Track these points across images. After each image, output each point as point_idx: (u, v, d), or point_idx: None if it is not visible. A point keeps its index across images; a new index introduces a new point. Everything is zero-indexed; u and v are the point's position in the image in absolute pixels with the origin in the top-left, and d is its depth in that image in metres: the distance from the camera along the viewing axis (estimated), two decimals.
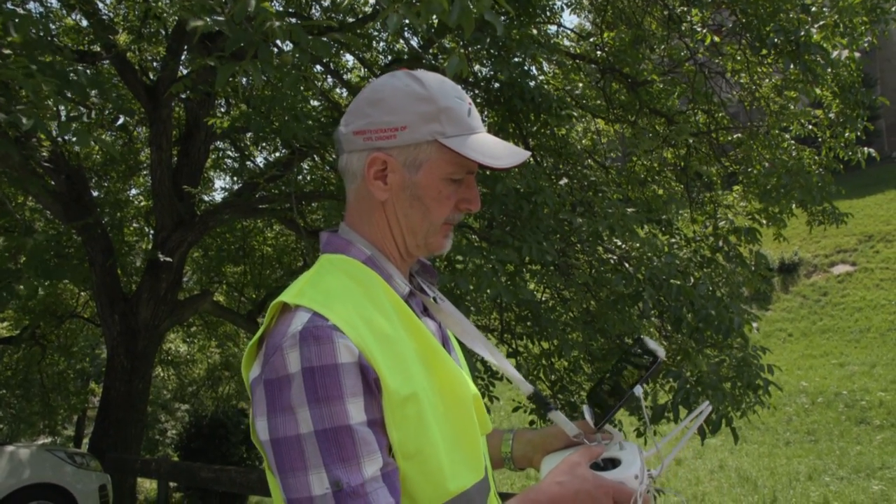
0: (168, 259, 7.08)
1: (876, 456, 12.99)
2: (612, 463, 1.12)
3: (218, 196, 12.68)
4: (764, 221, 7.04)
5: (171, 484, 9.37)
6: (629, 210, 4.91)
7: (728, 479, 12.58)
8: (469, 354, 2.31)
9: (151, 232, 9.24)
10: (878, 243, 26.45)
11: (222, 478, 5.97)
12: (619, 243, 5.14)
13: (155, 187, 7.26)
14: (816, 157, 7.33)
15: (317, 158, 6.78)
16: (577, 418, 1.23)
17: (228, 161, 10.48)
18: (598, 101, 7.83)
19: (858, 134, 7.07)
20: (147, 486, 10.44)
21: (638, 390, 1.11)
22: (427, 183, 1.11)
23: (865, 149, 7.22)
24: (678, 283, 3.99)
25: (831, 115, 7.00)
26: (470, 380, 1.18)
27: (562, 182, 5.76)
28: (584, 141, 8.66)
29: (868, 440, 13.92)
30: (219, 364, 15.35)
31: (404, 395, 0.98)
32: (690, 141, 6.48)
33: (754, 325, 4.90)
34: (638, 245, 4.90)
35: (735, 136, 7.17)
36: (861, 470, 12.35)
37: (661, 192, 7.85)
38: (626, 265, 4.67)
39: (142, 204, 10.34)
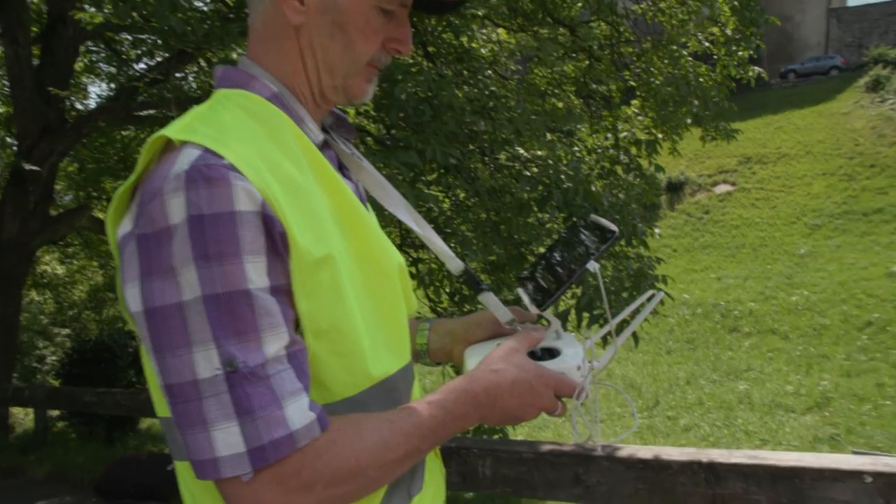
0: (35, 169, 6.44)
1: (743, 360, 13.97)
2: (550, 353, 1.01)
3: (93, 104, 11.69)
4: (660, 135, 7.10)
5: (52, 413, 8.87)
6: (532, 117, 4.79)
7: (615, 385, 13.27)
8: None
9: (14, 144, 8.40)
10: (755, 165, 27.84)
11: (107, 401, 5.60)
12: (522, 151, 5.03)
13: (14, 88, 6.55)
14: (711, 74, 7.40)
15: (203, 63, 6.27)
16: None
17: (104, 66, 9.65)
18: (502, 9, 7.58)
19: (751, 53, 7.18)
20: (23, 416, 9.86)
21: (594, 265, 0.97)
22: (353, 9, 0.91)
23: (756, 68, 7.36)
24: (586, 187, 3.94)
25: (728, 33, 7.03)
26: (394, 248, 1.01)
27: (463, 88, 5.55)
28: (484, 52, 8.44)
29: (738, 346, 14.93)
30: (102, 285, 14.52)
31: (317, 256, 0.82)
32: (595, 46, 6.37)
33: (656, 230, 4.97)
34: (541, 152, 4.81)
35: (637, 49, 7.12)
36: (731, 373, 13.26)
37: (560, 105, 7.80)
38: (532, 171, 4.58)
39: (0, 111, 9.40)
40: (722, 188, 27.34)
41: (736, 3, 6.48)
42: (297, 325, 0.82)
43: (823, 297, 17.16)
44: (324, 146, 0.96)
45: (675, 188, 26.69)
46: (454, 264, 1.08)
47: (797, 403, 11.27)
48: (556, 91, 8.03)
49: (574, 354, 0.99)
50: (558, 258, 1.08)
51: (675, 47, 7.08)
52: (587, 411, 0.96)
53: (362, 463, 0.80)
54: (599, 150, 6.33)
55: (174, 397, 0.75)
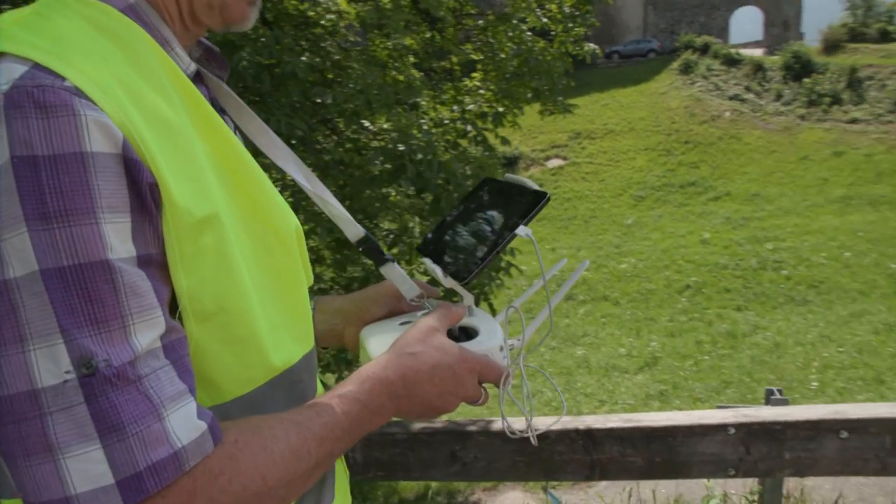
0: None
1: (580, 326, 14.70)
2: (466, 333, 0.89)
3: None
4: (501, 109, 7.20)
5: None
6: (380, 89, 4.67)
7: None
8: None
9: None
10: (584, 140, 29.27)
11: None
12: (368, 124, 4.91)
13: None
14: (550, 50, 7.60)
15: None
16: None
17: None
18: None
19: (586, 31, 7.45)
20: None
21: (525, 230, 0.83)
22: None
23: (591, 45, 7.65)
24: (441, 158, 3.89)
25: (566, 9, 7.24)
26: (289, 208, 0.83)
27: (303, 58, 5.33)
28: (322, 22, 8.18)
29: (574, 313, 15.65)
30: None
31: (199, 216, 0.64)
32: (438, 17, 6.33)
33: None
34: (387, 125, 4.71)
35: (480, 22, 7.17)
36: (569, 339, 13.89)
37: (401, 77, 7.72)
38: (383, 143, 4.47)
39: None
40: (554, 162, 28.56)
41: None
42: (173, 308, 0.64)
43: (648, 263, 18.36)
44: (196, 79, 0.76)
45: (511, 163, 27.48)
46: (353, 230, 0.92)
47: (630, 364, 12.01)
48: (397, 64, 7.94)
49: (493, 333, 0.88)
50: (472, 223, 0.95)
51: (515, 22, 7.20)
52: (519, 398, 0.86)
53: (269, 481, 0.63)
54: (447, 122, 6.31)
55: (1, 416, 0.55)
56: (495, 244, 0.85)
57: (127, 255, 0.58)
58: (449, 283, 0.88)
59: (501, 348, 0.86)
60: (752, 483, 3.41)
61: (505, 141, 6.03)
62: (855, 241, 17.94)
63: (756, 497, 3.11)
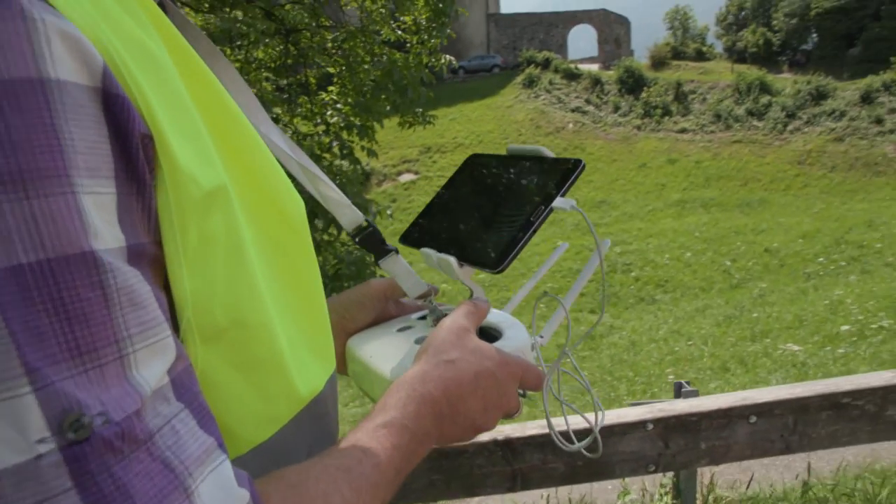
0: None
1: None
2: (485, 333, 0.78)
3: None
4: (358, 122, 7.13)
5: None
6: None
7: None
8: None
9: None
10: (435, 154, 29.71)
11: None
12: None
13: None
14: (408, 62, 7.62)
15: None
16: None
17: None
18: None
19: (443, 42, 7.52)
20: None
21: (568, 202, 0.71)
22: None
23: (447, 56, 7.74)
24: None
25: (421, 21, 7.28)
26: (291, 184, 0.63)
27: None
28: None
29: None
30: None
31: (207, 187, 0.46)
32: (293, 30, 6.17)
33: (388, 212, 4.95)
34: None
35: (336, 34, 7.06)
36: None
37: (253, 91, 7.48)
38: None
39: None
40: (406, 177, 28.79)
41: None
42: (174, 324, 0.45)
43: (505, 272, 18.80)
44: (163, 8, 0.57)
45: (363, 179, 27.45)
46: (350, 215, 0.77)
47: None
48: (247, 77, 7.68)
49: (518, 329, 0.77)
50: (477, 203, 0.81)
51: (372, 34, 7.17)
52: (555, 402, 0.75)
53: None
54: (308, 136, 6.16)
55: None
56: (527, 222, 0.71)
57: (115, 246, 0.39)
58: (466, 274, 0.74)
59: (532, 347, 0.76)
60: (661, 475, 3.50)
61: (372, 153, 5.95)
62: (693, 241, 19.32)
63: (668, 488, 3.21)
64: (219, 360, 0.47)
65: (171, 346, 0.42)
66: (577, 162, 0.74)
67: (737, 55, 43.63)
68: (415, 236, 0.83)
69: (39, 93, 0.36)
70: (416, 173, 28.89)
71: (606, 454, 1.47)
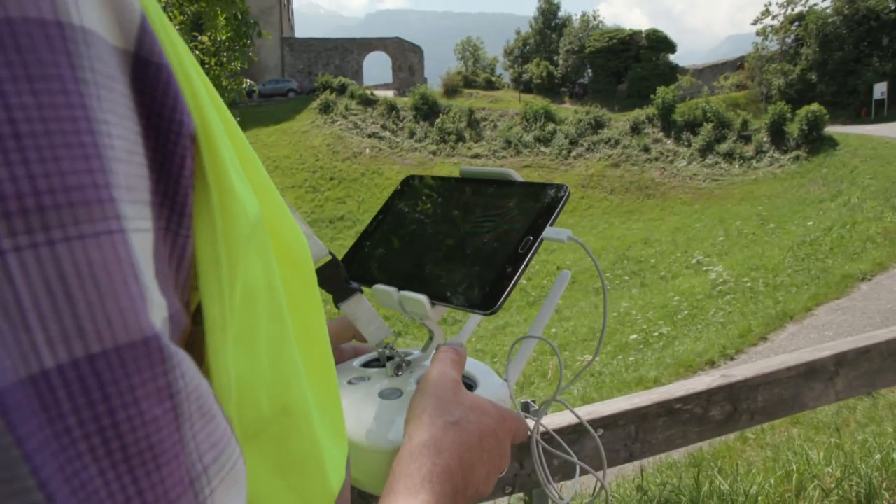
0: None
1: None
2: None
3: None
4: None
5: None
6: None
7: None
8: None
9: None
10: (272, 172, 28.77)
11: None
12: None
13: None
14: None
15: None
16: None
17: None
18: None
19: (244, 65, 7.25)
20: None
21: (564, 233, 0.63)
22: None
23: (248, 80, 7.48)
24: None
25: (223, 42, 6.96)
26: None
27: None
28: None
29: None
30: None
31: (252, 215, 0.31)
32: None
33: None
34: None
35: None
36: None
37: None
38: None
39: None
40: None
41: (234, 14, 6.42)
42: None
43: None
44: None
45: None
46: (313, 248, 0.63)
47: None
48: None
49: (491, 376, 0.68)
50: (430, 233, 0.70)
51: None
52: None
53: None
54: None
55: None
56: (515, 255, 0.62)
57: (161, 319, 0.25)
58: (436, 315, 0.65)
59: (510, 396, 0.67)
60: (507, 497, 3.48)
61: None
62: None
63: None
64: (258, 462, 0.34)
65: (243, 471, 0.29)
66: (562, 188, 0.66)
67: (523, 86, 46.56)
68: (358, 272, 0.72)
69: (59, 44, 0.21)
70: None
71: None
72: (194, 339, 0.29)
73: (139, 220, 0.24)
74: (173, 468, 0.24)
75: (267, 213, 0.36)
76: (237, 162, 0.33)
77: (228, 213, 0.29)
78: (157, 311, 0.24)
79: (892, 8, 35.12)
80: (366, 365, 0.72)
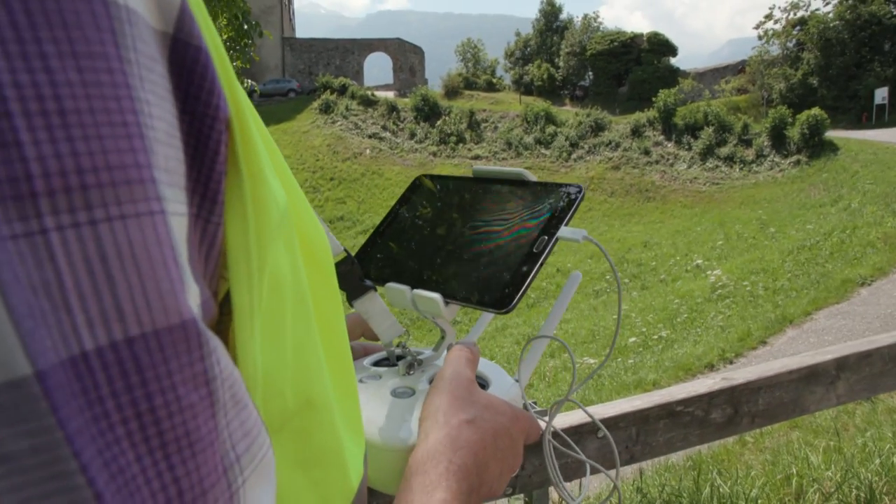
0: None
1: None
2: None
3: None
4: None
5: None
6: None
7: None
8: None
9: None
10: None
11: None
12: None
13: None
14: None
15: None
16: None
17: None
18: None
19: (245, 65, 7.25)
20: None
21: (579, 233, 0.63)
22: None
23: (249, 81, 7.48)
24: None
25: (223, 39, 6.96)
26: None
27: None
28: None
29: None
30: None
31: (283, 206, 0.32)
32: None
33: None
34: None
35: None
36: None
37: None
38: None
39: None
40: None
41: (235, 14, 6.43)
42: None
43: None
44: None
45: None
46: (331, 244, 0.61)
47: None
48: None
49: (503, 375, 0.68)
50: (443, 232, 0.71)
51: None
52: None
53: None
54: None
55: None
56: (531, 254, 0.63)
57: (196, 305, 0.25)
58: (450, 314, 0.65)
59: (522, 395, 0.67)
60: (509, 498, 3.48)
61: None
62: None
63: None
64: (280, 455, 0.33)
65: (272, 462, 0.29)
66: (578, 188, 0.67)
67: (524, 87, 46.58)
68: (370, 270, 0.72)
69: (104, 22, 0.21)
70: None
71: None
72: (219, 329, 0.29)
73: (177, 203, 0.24)
74: (208, 455, 0.24)
75: (291, 206, 0.35)
76: (266, 152, 0.33)
77: (260, 201, 0.29)
78: (193, 296, 0.24)
79: (894, 13, 35.17)
80: (376, 364, 0.72)
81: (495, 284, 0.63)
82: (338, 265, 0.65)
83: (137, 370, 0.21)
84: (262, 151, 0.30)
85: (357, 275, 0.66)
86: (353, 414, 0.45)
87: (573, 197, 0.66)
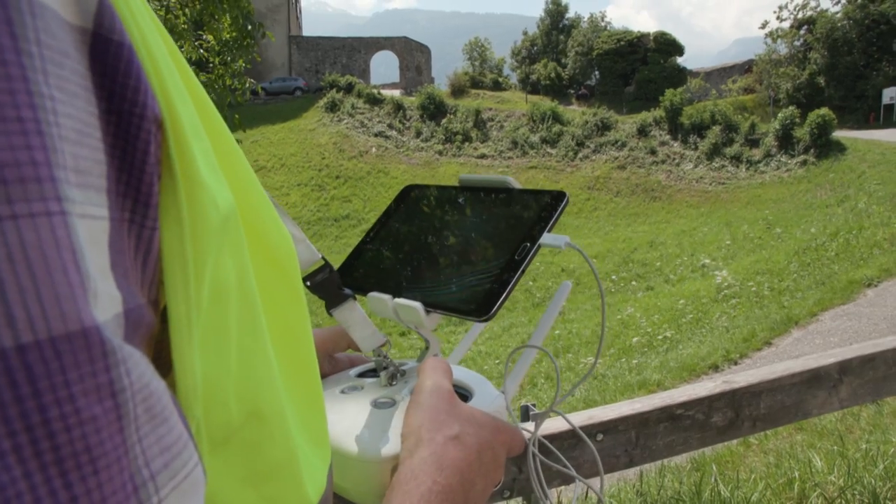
0: None
1: None
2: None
3: None
4: None
5: None
6: None
7: None
8: None
9: None
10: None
11: None
12: None
13: None
14: (215, 85, 7.24)
15: None
16: None
17: None
18: None
19: (246, 65, 7.23)
20: None
21: (562, 239, 0.62)
22: None
23: (251, 80, 7.46)
24: None
25: (227, 41, 6.95)
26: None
27: None
28: None
29: None
30: None
31: (224, 210, 0.30)
32: None
33: None
34: None
35: None
36: None
37: None
38: None
39: None
40: None
41: (237, 13, 6.41)
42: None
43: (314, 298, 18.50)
44: None
45: None
46: (304, 253, 0.61)
47: None
48: None
49: (486, 385, 0.67)
50: (441, 241, 0.71)
51: None
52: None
53: None
54: None
55: None
56: (512, 262, 0.63)
57: (113, 313, 0.23)
58: (431, 323, 0.65)
59: (507, 407, 0.66)
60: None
61: None
62: None
63: None
64: (226, 471, 0.32)
65: (201, 480, 0.27)
66: (561, 194, 0.66)
67: (530, 86, 46.56)
68: (354, 279, 0.72)
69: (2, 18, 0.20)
70: None
71: None
72: (165, 337, 0.28)
73: (89, 205, 0.22)
74: (113, 473, 0.22)
75: (245, 209, 0.34)
76: (210, 152, 0.31)
77: (196, 205, 0.28)
78: (107, 303, 0.23)
79: None
80: (361, 375, 0.72)
81: (476, 292, 0.63)
82: (315, 273, 0.64)
83: (29, 380, 0.19)
84: (201, 153, 0.29)
85: (335, 283, 0.65)
86: (316, 425, 0.43)
87: (557, 204, 0.67)
